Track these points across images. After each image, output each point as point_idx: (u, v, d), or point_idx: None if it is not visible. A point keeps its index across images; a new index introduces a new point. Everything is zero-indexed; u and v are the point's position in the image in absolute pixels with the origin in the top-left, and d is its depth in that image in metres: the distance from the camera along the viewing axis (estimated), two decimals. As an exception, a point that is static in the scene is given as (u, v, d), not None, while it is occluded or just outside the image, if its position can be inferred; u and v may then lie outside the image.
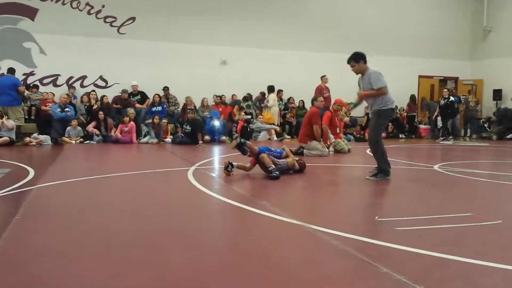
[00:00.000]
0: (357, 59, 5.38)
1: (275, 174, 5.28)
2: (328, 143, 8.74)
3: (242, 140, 5.63)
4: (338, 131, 9.18)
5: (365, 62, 5.42)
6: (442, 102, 14.02)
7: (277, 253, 2.59)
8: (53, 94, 12.33)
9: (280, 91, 14.55)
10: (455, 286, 2.13)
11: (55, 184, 4.75)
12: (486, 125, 15.31)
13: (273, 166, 5.41)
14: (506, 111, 14.66)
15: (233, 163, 5.57)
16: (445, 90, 14.31)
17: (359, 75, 5.54)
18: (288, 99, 14.94)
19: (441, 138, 13.75)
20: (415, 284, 2.09)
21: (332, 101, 12.46)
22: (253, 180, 5.25)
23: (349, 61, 5.45)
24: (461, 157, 8.72)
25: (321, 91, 12.89)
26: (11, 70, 10.88)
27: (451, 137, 13.71)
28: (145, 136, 11.75)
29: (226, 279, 2.20)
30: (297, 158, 5.98)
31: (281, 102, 14.78)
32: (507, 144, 12.68)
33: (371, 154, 5.79)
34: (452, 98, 13.90)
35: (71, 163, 7.26)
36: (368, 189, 5.04)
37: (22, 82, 11.62)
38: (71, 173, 5.64)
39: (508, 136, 14.41)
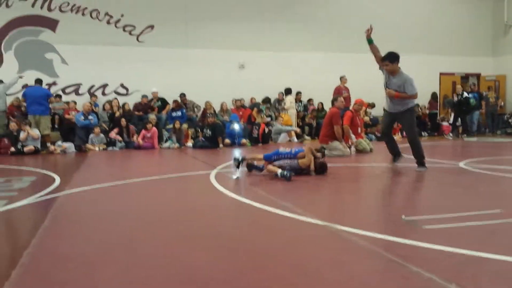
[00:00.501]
0: (392, 60, 5.68)
1: (285, 176, 5.28)
2: (350, 143, 8.67)
3: (239, 158, 5.82)
4: (359, 131, 9.10)
5: (398, 63, 5.71)
6: (456, 98, 13.80)
7: (303, 255, 2.57)
8: (75, 103, 12.59)
9: (298, 93, 14.53)
10: (488, 283, 2.08)
11: (81, 191, 4.81)
12: (510, 121, 14.99)
13: (280, 170, 5.40)
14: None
15: (240, 158, 5.80)
16: (459, 86, 14.08)
17: (385, 74, 5.82)
18: (308, 101, 14.89)
19: (451, 135, 13.55)
20: (446, 283, 2.04)
21: (352, 101, 12.41)
22: (275, 182, 5.24)
23: (384, 59, 5.70)
24: (487, 154, 8.54)
25: (340, 91, 12.82)
26: (39, 81, 11.14)
27: (465, 134, 13.46)
28: (166, 141, 11.86)
29: (251, 281, 2.19)
30: (320, 158, 5.82)
31: (300, 104, 14.75)
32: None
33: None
34: (466, 94, 13.67)
35: (95, 169, 7.36)
36: (392, 188, 4.99)
37: (47, 92, 11.88)
38: (96, 179, 5.71)
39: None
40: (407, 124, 5.94)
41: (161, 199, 4.45)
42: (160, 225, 3.35)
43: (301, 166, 5.62)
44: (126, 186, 5.16)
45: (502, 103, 15.70)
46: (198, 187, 5.19)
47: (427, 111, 15.36)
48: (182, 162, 8.19)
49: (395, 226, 3.13)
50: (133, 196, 4.66)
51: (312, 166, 5.65)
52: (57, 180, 5.60)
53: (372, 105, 14.76)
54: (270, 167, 5.57)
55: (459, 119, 13.80)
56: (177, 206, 4.05)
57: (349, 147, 8.58)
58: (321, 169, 5.68)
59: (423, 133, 14.97)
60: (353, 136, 8.82)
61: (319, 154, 5.85)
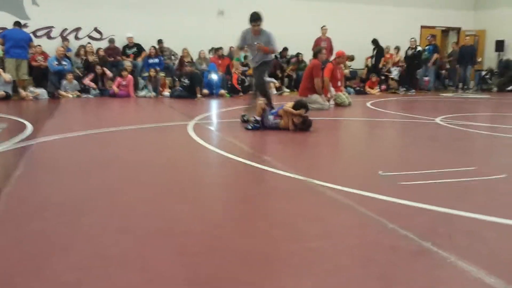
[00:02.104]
0: (261, 19, 6.32)
1: (249, 126, 5.48)
2: (329, 96, 8.64)
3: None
4: (339, 84, 9.05)
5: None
6: (409, 52, 13.73)
7: (281, 208, 2.58)
8: (41, 47, 12.03)
9: (285, 49, 14.27)
10: (462, 241, 2.13)
11: (55, 140, 4.70)
12: (488, 77, 15.14)
13: (258, 118, 5.48)
14: (508, 62, 14.46)
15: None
16: (412, 39, 13.82)
17: (247, 34, 6.38)
18: (297, 55, 14.63)
19: (403, 90, 13.61)
20: (422, 240, 2.08)
21: (334, 53, 12.28)
22: (254, 135, 5.21)
23: (256, 20, 6.27)
24: (463, 110, 8.66)
25: (319, 42, 12.65)
26: (19, 24, 10.59)
27: (413, 90, 13.50)
28: (142, 89, 11.61)
29: (229, 233, 2.19)
30: (303, 114, 5.55)
31: (284, 59, 14.56)
32: (507, 96, 12.60)
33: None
34: (419, 48, 13.63)
35: (69, 117, 7.17)
36: (369, 142, 5.03)
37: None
38: (70, 127, 5.57)
39: (509, 88, 14.29)
40: (259, 73, 6.39)
41: (138, 150, 4.38)
42: (138, 175, 3.31)
43: (280, 127, 5.54)
44: (101, 136, 5.06)
45: (480, 59, 15.79)
46: (175, 138, 5.12)
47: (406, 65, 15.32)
48: (159, 112, 8.04)
49: (372, 182, 3.16)
50: (109, 146, 4.57)
51: (291, 127, 5.48)
52: (29, 127, 5.44)
53: (351, 58, 14.64)
54: (260, 108, 5.60)
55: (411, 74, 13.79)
56: (155, 158, 4.00)
57: (328, 100, 8.56)
58: (304, 125, 5.49)
59: (400, 88, 15.03)
60: (332, 89, 8.78)
61: (298, 112, 5.55)
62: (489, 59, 15.83)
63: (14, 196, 2.76)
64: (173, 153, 4.27)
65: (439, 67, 15.05)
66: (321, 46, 9.26)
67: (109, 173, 3.38)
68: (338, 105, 8.67)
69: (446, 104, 10.24)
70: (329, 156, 4.30)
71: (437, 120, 6.63)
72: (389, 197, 2.72)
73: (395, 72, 14.30)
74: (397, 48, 14.86)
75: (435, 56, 14.14)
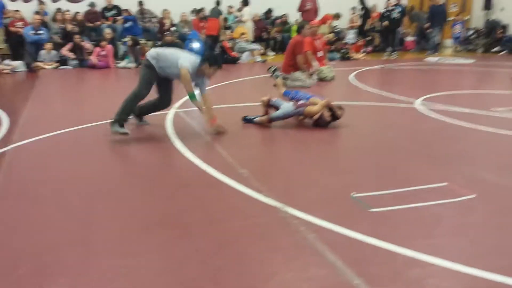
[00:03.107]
0: None
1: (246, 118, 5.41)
2: (312, 70, 8.52)
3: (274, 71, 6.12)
4: (320, 54, 8.83)
5: None
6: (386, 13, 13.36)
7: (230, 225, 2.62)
8: (20, 12, 11.57)
9: (269, 10, 13.90)
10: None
11: (33, 142, 4.63)
12: (474, 37, 15.00)
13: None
14: (494, 23, 14.29)
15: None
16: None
17: None
18: (281, 16, 14.26)
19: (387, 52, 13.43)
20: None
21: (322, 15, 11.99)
22: (240, 132, 5.15)
23: None
24: (445, 85, 8.64)
25: (305, 3, 12.33)
26: None
27: (395, 52, 13.33)
28: (123, 58, 11.33)
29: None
30: (340, 108, 5.19)
31: (269, 20, 14.22)
32: (492, 60, 12.56)
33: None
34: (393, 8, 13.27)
35: (48, 103, 6.99)
36: (344, 144, 5.02)
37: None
38: (50, 122, 5.47)
39: (494, 50, 14.22)
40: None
41: (113, 154, 4.33)
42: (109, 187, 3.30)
43: (305, 114, 5.14)
44: (79, 134, 4.97)
45: (468, 17, 15.56)
46: (151, 138, 5.02)
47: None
48: None
49: (345, 209, 3.18)
50: (85, 154, 4.50)
51: (316, 116, 5.10)
52: (5, 123, 5.35)
53: (337, 16, 14.34)
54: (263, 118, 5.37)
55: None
56: (127, 163, 3.97)
57: (311, 75, 8.47)
58: (322, 124, 5.19)
59: (386, 49, 14.85)
60: (315, 63, 8.61)
61: (339, 112, 5.18)
62: (476, 18, 15.61)
63: None
64: (146, 161, 4.24)
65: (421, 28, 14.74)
66: (305, 21, 9.01)
67: (80, 194, 3.36)
68: (321, 80, 8.58)
69: (428, 76, 10.15)
70: (305, 172, 4.29)
71: (417, 103, 6.61)
72: (361, 234, 2.77)
73: (350, 36, 13.84)
74: (353, 9, 14.49)
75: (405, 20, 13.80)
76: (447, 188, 3.50)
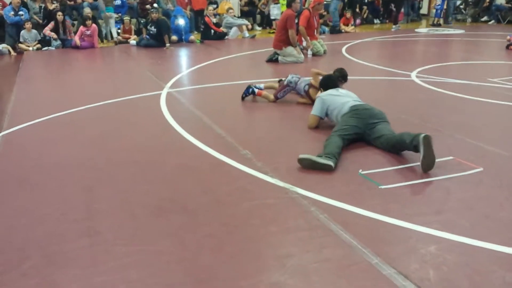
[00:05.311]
0: None
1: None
2: (307, 45, 8.39)
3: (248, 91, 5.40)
4: (315, 33, 8.75)
5: None
6: None
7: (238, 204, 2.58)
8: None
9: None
10: (436, 277, 2.17)
11: (23, 129, 4.48)
12: (462, 7, 14.92)
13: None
14: (483, -8, 14.20)
15: (254, 88, 5.33)
16: None
17: None
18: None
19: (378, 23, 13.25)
20: (405, 282, 2.12)
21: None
22: (238, 111, 5.05)
23: None
24: (438, 57, 8.59)
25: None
26: None
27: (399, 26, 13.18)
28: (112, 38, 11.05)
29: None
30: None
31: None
32: (481, 30, 12.53)
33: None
34: None
35: (35, 87, 6.77)
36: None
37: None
38: (38, 108, 5.30)
39: (483, 19, 14.17)
40: None
41: (107, 138, 4.20)
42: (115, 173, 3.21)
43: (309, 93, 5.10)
44: (68, 118, 4.82)
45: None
46: (148, 121, 4.88)
47: (380, -3, 14.89)
48: (128, 74, 7.43)
49: (355, 188, 3.14)
50: (74, 134, 4.36)
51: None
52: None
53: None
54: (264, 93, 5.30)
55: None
56: (125, 148, 3.86)
57: (305, 49, 8.35)
58: None
59: (375, 21, 14.72)
60: (307, 38, 8.48)
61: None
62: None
63: None
64: (144, 144, 4.12)
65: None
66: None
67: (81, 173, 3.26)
68: (314, 54, 8.46)
69: (421, 48, 10.09)
70: (310, 145, 4.22)
71: (413, 75, 6.57)
72: (372, 212, 2.74)
73: (276, 12, 13.14)
74: None
75: None
76: (454, 162, 3.48)
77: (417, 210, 2.78)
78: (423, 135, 3.29)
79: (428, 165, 3.27)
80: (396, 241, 2.47)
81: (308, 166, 3.38)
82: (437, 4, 14.34)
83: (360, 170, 3.34)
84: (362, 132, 3.83)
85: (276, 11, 12.86)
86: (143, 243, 2.48)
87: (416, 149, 3.37)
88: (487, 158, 3.57)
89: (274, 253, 2.38)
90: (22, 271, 2.24)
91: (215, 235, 2.55)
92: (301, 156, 3.40)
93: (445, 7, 13.56)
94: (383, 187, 3.09)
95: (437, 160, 3.35)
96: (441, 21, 13.61)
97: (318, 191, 3.03)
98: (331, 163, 3.35)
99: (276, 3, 12.97)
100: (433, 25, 13.50)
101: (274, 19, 12.77)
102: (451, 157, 3.56)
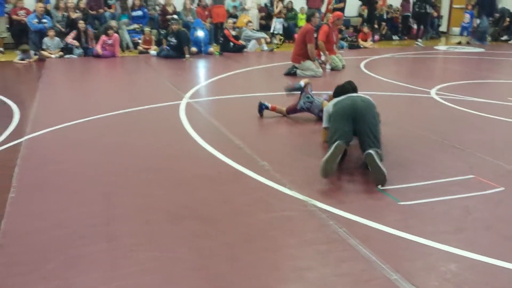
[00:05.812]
0: None
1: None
2: (325, 59, 8.41)
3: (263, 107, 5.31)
4: (334, 48, 8.78)
5: None
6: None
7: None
8: (22, 1, 11.38)
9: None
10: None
11: (45, 134, 4.56)
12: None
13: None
14: (503, 11, 14.10)
15: (267, 104, 5.27)
16: None
17: None
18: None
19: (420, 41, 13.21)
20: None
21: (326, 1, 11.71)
22: (256, 123, 5.06)
23: None
24: (457, 75, 8.53)
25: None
26: None
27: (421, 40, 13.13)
28: (128, 47, 11.22)
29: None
30: None
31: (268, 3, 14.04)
32: (501, 49, 12.42)
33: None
34: None
35: (57, 94, 6.88)
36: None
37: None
38: (60, 114, 5.38)
39: (503, 38, 14.07)
40: None
41: (127, 148, 4.24)
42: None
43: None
44: (90, 125, 4.89)
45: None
46: (167, 132, 4.86)
47: (399, 14, 14.87)
48: (148, 84, 7.36)
49: (373, 202, 3.12)
50: (95, 143, 4.41)
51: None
52: (17, 114, 5.27)
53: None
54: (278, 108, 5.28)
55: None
56: (143, 156, 3.90)
57: (323, 63, 8.38)
58: None
59: (394, 37, 14.72)
60: (326, 53, 8.48)
61: None
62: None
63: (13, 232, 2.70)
64: (162, 155, 4.15)
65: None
66: (314, 10, 8.88)
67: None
68: (332, 69, 8.48)
69: (440, 65, 10.04)
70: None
71: (432, 92, 6.53)
72: (391, 228, 2.71)
73: (278, 26, 13.32)
74: None
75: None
76: (474, 181, 3.44)
77: (437, 228, 2.76)
78: (365, 152, 3.36)
79: (377, 180, 3.31)
80: (416, 258, 2.45)
81: (328, 167, 3.31)
82: (465, 22, 14.19)
83: (379, 186, 3.32)
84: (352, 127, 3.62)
85: (278, 26, 13.32)
86: (160, 249, 2.50)
87: (366, 166, 3.43)
88: (508, 178, 3.53)
89: (293, 265, 2.38)
90: (43, 273, 2.27)
91: (233, 244, 2.55)
92: (322, 165, 3.34)
93: (474, 25, 13.38)
94: (402, 203, 3.07)
95: (457, 178, 3.32)
96: (469, 39, 13.47)
97: (337, 205, 3.02)
98: (338, 142, 3.37)
99: (278, 18, 13.39)
100: (459, 44, 13.31)
101: (277, 33, 13.24)
102: (471, 176, 3.52)
